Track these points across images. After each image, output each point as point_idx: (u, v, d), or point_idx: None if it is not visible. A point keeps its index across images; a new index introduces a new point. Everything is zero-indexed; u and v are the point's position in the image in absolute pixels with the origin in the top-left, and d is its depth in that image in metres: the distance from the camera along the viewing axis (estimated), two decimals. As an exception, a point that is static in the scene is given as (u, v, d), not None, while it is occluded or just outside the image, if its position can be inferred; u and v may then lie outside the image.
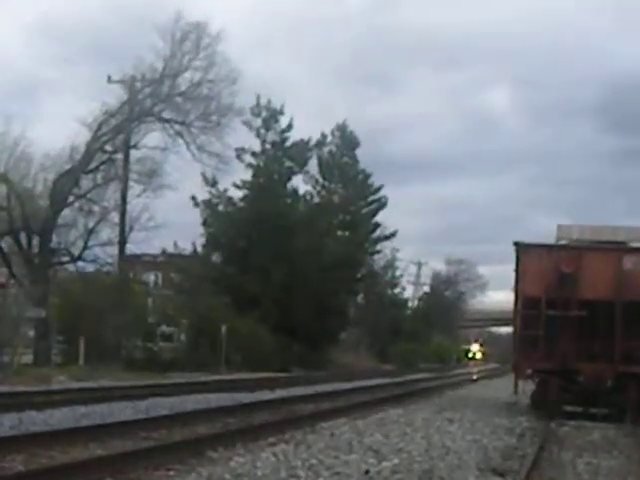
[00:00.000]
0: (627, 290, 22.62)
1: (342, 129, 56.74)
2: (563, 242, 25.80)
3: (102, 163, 43.31)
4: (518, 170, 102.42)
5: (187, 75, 43.37)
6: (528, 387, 24.68)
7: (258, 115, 49.88)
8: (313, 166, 55.57)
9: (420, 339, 74.23)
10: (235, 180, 49.84)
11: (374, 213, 59.37)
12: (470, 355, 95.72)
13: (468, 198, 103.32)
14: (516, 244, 24.29)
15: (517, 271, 24.29)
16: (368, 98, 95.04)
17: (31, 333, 37.86)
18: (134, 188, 43.35)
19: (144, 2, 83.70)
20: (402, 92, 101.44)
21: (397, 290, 73.24)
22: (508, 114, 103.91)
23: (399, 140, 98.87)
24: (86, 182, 43.47)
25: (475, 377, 60.79)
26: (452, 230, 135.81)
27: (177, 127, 43.73)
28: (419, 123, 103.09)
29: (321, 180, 56.26)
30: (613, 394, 22.64)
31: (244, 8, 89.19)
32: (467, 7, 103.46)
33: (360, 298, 63.39)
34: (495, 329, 75.29)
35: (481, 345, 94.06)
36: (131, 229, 43.19)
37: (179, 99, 43.35)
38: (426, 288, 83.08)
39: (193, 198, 48.15)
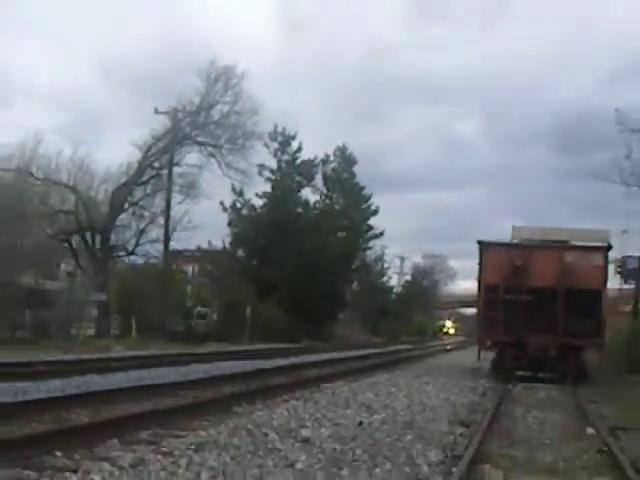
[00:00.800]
0: (567, 279, 22.74)
1: (342, 150, 55.06)
2: (517, 241, 25.36)
3: (151, 177, 44.51)
4: (484, 183, 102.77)
5: (218, 107, 44.32)
6: (489, 356, 24.96)
7: (275, 139, 49.80)
8: (319, 180, 55.26)
9: (403, 318, 73.06)
10: (256, 191, 49.98)
11: (367, 217, 57.37)
12: (445, 330, 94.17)
13: (443, 205, 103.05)
14: (479, 242, 24.46)
15: (480, 264, 24.33)
16: (365, 126, 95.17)
17: (94, 312, 37.94)
18: (176, 197, 44.00)
19: (185, 48, 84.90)
20: (392, 122, 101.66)
21: (385, 279, 71.99)
22: (476, 139, 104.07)
23: (389, 159, 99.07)
24: (138, 192, 44.56)
25: (448, 347, 59.66)
26: (429, 231, 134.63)
27: (210, 149, 44.62)
28: (405, 146, 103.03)
29: (325, 192, 55.07)
30: (556, 361, 22.76)
31: (264, 53, 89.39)
32: (447, 54, 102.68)
33: (355, 285, 62.07)
34: (463, 310, 73.70)
35: (454, 322, 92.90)
36: (174, 229, 43.77)
37: (212, 127, 44.36)
38: (408, 277, 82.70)
39: (222, 204, 48.50)
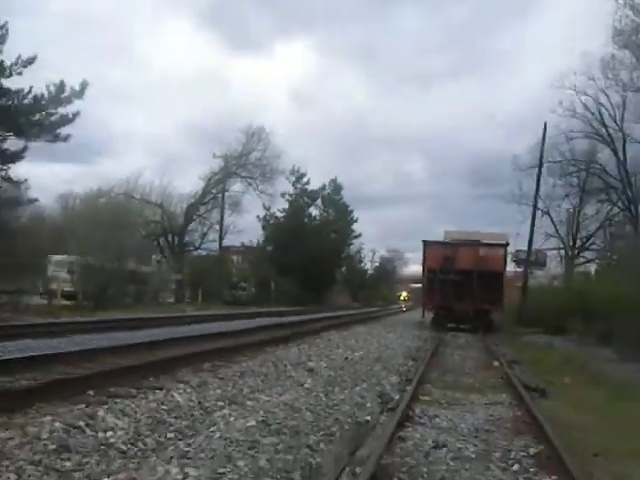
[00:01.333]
0: (480, 265, 22.69)
1: (334, 181, 54.13)
2: (448, 240, 25.29)
3: (210, 199, 44.28)
4: (426, 202, 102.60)
5: (254, 154, 44.44)
6: (429, 315, 24.97)
7: (292, 174, 49.47)
8: (319, 201, 54.43)
9: (374, 290, 73.34)
10: (279, 208, 49.25)
11: (350, 225, 57.58)
12: (401, 298, 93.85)
13: (400, 217, 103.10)
14: (424, 241, 24.43)
15: (424, 255, 24.26)
16: (349, 165, 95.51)
17: (173, 286, 36.78)
18: (227, 212, 43.41)
19: (233, 115, 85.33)
20: (367, 162, 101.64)
21: (362, 264, 72.32)
22: (420, 173, 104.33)
23: (365, 187, 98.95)
24: (202, 208, 44.37)
25: (404, 309, 59.89)
26: (391, 234, 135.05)
27: (249, 180, 44.75)
28: (375, 178, 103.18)
29: (323, 208, 55.07)
30: (473, 319, 22.95)
31: (285, 118, 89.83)
32: (400, 116, 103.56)
33: (343, 269, 62.71)
34: (413, 285, 73.18)
35: (408, 293, 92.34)
36: (225, 233, 43.45)
37: (250, 166, 44.45)
38: (377, 264, 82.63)
39: (257, 217, 47.86)
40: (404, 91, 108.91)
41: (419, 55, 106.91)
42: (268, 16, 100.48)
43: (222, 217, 42.43)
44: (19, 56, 20.65)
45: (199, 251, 44.70)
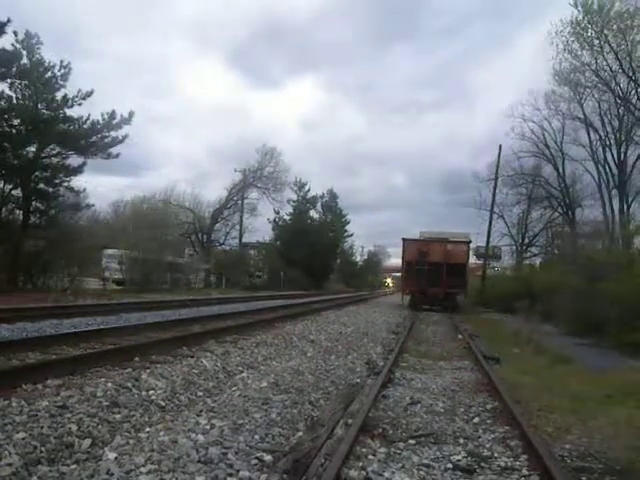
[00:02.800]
0: (448, 258, 22.49)
1: (331, 190, 54.63)
2: (422, 238, 25.05)
3: (232, 204, 43.51)
4: (406, 208, 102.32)
5: (267, 169, 43.71)
6: (407, 298, 24.52)
7: (296, 185, 48.84)
8: (319, 207, 53.91)
9: (363, 278, 73.34)
10: (287, 212, 48.55)
11: (344, 226, 57.64)
12: (385, 284, 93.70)
13: (384, 220, 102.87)
14: (403, 239, 24.16)
15: (403, 250, 23.91)
16: (344, 177, 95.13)
17: (203, 274, 36.15)
18: (245, 215, 42.70)
19: (251, 138, 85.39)
20: (361, 176, 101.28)
21: (353, 258, 72.50)
22: (403, 185, 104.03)
23: (357, 195, 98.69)
24: (226, 212, 43.52)
25: (388, 293, 59.12)
26: (377, 233, 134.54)
27: (263, 190, 43.76)
28: (366, 188, 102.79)
29: (322, 212, 55.30)
30: (442, 301, 22.84)
31: (292, 140, 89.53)
32: (388, 140, 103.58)
33: (338, 261, 62.43)
34: (395, 274, 73.00)
35: (392, 279, 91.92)
36: (244, 232, 42.71)
37: (264, 179, 43.57)
38: (365, 257, 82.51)
39: (268, 220, 47.02)
40: (392, 118, 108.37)
41: (406, 88, 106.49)
42: (283, 59, 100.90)
43: (241, 219, 42.28)
44: (79, 90, 20.90)
45: (223, 246, 44.21)
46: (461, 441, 4.15)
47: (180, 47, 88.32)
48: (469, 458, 3.75)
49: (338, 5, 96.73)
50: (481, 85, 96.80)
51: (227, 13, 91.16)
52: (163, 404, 4.53)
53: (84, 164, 21.37)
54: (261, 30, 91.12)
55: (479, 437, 4.27)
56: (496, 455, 3.84)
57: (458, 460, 3.71)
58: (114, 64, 75.21)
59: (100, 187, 62.10)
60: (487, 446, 4.05)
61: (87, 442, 3.48)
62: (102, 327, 9.01)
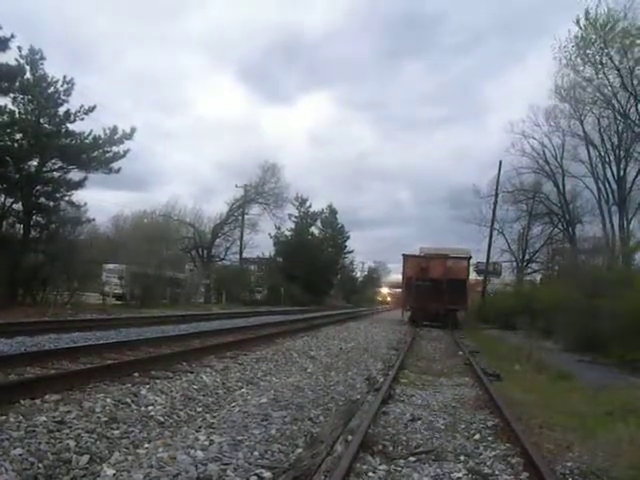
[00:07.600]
0: (448, 274, 22.37)
1: (330, 206, 54.65)
2: (423, 254, 24.92)
3: (233, 220, 43.36)
4: (410, 225, 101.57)
5: (269, 184, 43.81)
6: (407, 314, 24.54)
7: (297, 201, 49.33)
8: (319, 222, 53.40)
9: (363, 293, 73.14)
10: (287, 227, 48.79)
11: (344, 242, 58.05)
12: (385, 300, 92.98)
13: (385, 236, 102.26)
14: (403, 255, 24.24)
15: (403, 265, 23.93)
16: (349, 192, 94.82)
17: (203, 290, 35.67)
18: (246, 230, 42.58)
19: (254, 155, 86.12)
20: (363, 190, 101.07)
21: (353, 273, 72.31)
22: (407, 200, 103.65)
23: (357, 211, 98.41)
24: (226, 227, 43.40)
25: (387, 309, 58.73)
26: (377, 249, 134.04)
27: (264, 206, 43.83)
28: (368, 204, 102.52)
29: (322, 228, 55.28)
30: (443, 317, 22.65)
31: (294, 156, 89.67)
32: (394, 156, 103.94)
33: (338, 277, 62.33)
34: (394, 290, 72.55)
35: (389, 295, 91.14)
36: (245, 247, 42.72)
37: (265, 195, 43.67)
38: (365, 273, 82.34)
39: (269, 235, 47.02)
40: (401, 134, 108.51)
41: (417, 105, 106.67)
42: (296, 75, 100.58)
43: (242, 234, 42.30)
44: (82, 105, 20.94)
45: (223, 261, 44.22)
46: (462, 458, 4.11)
47: (194, 63, 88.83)
48: (470, 475, 3.71)
49: (353, 22, 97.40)
50: (491, 101, 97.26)
51: (243, 30, 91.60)
52: (162, 420, 4.50)
53: (85, 178, 21.41)
54: (276, 46, 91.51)
55: (480, 454, 4.23)
56: (497, 473, 3.80)
57: (459, 478, 3.66)
58: (126, 79, 76.04)
59: (105, 202, 61.78)
60: (488, 463, 4.00)
61: (85, 458, 3.45)
62: (101, 342, 9.06)
